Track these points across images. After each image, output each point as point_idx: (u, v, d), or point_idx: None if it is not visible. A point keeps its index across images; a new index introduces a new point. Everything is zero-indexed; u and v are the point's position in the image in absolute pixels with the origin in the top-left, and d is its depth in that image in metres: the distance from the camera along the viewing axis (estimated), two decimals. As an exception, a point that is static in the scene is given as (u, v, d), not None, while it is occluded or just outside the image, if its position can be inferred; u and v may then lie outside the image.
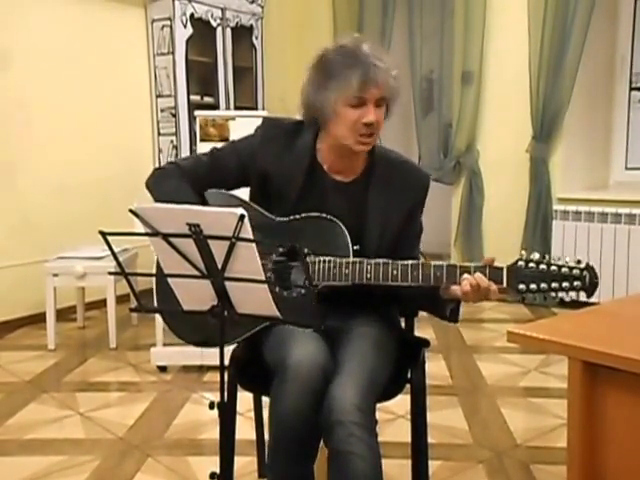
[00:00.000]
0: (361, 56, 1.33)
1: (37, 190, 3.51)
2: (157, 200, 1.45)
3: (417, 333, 1.64)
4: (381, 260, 1.33)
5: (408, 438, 1.55)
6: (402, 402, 1.56)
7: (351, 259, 1.35)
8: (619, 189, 3.73)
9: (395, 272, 1.31)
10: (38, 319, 3.37)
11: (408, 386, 1.50)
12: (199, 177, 1.47)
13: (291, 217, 1.42)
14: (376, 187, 1.43)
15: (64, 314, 3.46)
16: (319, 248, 1.35)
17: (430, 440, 1.58)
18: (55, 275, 3.07)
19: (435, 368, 2.73)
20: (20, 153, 3.46)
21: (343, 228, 1.38)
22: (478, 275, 1.28)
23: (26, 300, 3.44)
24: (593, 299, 3.78)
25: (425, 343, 1.56)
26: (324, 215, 1.40)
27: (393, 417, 2.21)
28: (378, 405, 1.41)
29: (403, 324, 1.63)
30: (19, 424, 2.29)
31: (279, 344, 1.36)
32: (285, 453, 1.29)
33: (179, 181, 1.45)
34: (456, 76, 3.95)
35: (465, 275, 1.29)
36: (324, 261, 1.35)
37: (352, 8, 4.45)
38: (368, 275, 1.32)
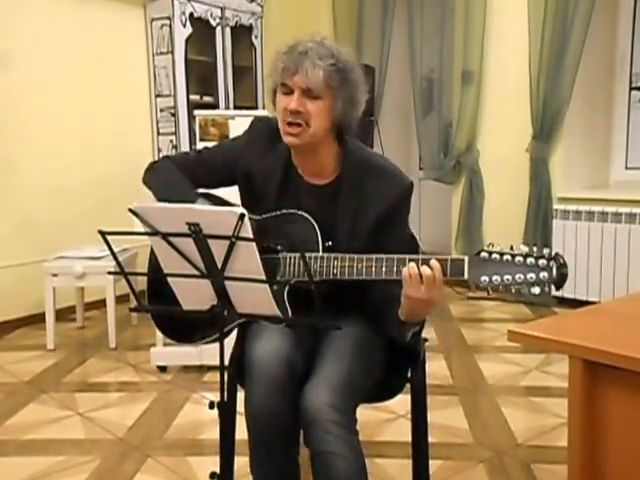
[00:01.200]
0: (295, 47, 1.34)
1: (36, 190, 3.51)
2: (155, 191, 1.47)
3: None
4: (347, 255, 1.31)
5: (409, 437, 1.55)
6: (403, 402, 1.55)
7: (320, 254, 1.33)
8: (619, 188, 3.73)
9: (360, 266, 1.29)
10: (37, 319, 3.37)
11: (409, 386, 1.50)
12: (189, 170, 1.50)
13: (266, 215, 1.42)
14: (346, 192, 1.39)
15: (63, 314, 3.45)
16: (292, 244, 1.34)
17: (431, 439, 1.58)
18: (54, 275, 3.07)
19: (436, 367, 2.73)
20: (19, 153, 3.45)
21: (314, 224, 1.37)
22: (423, 268, 1.21)
23: (25, 300, 3.43)
24: (593, 298, 3.75)
25: (416, 351, 1.52)
26: (296, 211, 1.39)
27: (394, 417, 2.21)
28: (378, 405, 1.41)
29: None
30: (18, 424, 2.29)
31: (250, 341, 1.38)
32: (261, 449, 1.30)
33: (173, 170, 1.49)
34: (456, 76, 3.95)
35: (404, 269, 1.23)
36: (294, 258, 1.34)
37: (352, 7, 4.45)
38: (335, 270, 1.31)
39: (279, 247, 1.36)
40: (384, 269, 1.27)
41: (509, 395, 2.47)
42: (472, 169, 3.97)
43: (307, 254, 1.33)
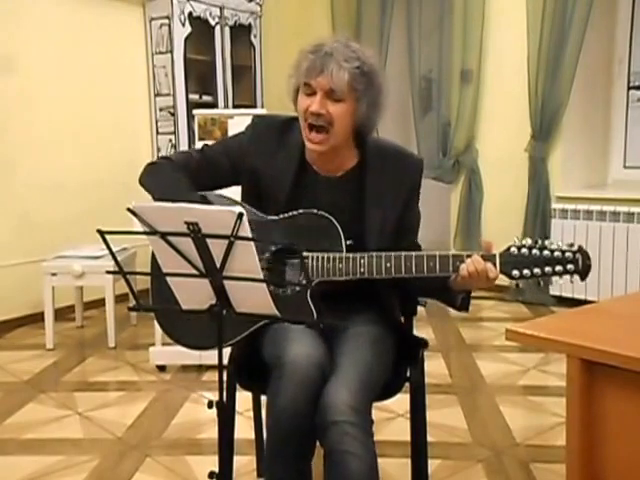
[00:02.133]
0: (320, 47, 1.33)
1: (36, 189, 3.51)
2: (154, 194, 1.44)
3: (416, 332, 1.64)
4: (374, 253, 1.33)
5: (407, 437, 1.55)
6: (401, 401, 1.56)
7: (344, 254, 1.34)
8: (617, 188, 3.73)
9: (388, 264, 1.31)
10: (36, 319, 3.36)
11: (407, 385, 1.50)
12: (191, 172, 1.46)
13: (284, 215, 1.41)
14: (372, 178, 1.41)
15: (62, 313, 3.45)
16: (313, 245, 1.34)
17: (429, 439, 1.58)
18: (53, 274, 3.07)
19: (434, 367, 2.73)
20: (19, 152, 3.45)
21: (335, 223, 1.37)
22: (475, 258, 1.28)
23: (24, 299, 3.43)
24: (591, 297, 3.76)
25: (423, 344, 1.55)
26: (316, 211, 1.39)
27: (392, 416, 2.21)
28: (377, 404, 1.40)
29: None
30: (17, 424, 2.29)
31: (276, 342, 1.36)
32: (282, 450, 1.29)
33: (173, 172, 1.46)
34: (455, 75, 3.95)
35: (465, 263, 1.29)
36: (318, 257, 1.34)
37: (350, 6, 4.44)
38: (362, 269, 1.32)
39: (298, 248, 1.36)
40: (414, 267, 1.30)
41: (507, 394, 2.47)
42: (471, 168, 3.97)
43: (331, 254, 1.34)
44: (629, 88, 3.76)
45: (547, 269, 1.27)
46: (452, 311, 1.47)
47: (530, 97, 3.64)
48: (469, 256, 1.29)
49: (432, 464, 1.70)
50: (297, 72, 1.35)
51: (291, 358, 1.27)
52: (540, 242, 1.29)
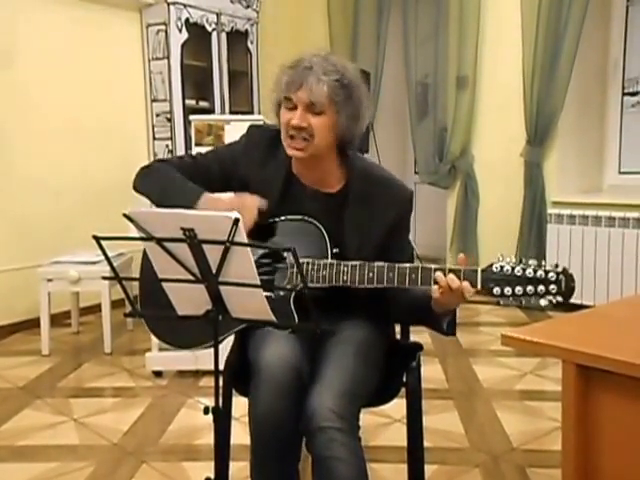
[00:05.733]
0: (300, 61, 1.35)
1: (32, 194, 3.50)
2: (150, 194, 1.44)
3: (413, 336, 1.65)
4: (357, 262, 1.33)
5: (404, 442, 1.55)
6: (398, 406, 1.56)
7: (329, 261, 1.35)
8: (613, 193, 3.75)
9: (371, 274, 1.31)
10: (32, 324, 3.35)
11: (404, 390, 1.50)
12: (186, 174, 1.46)
13: (271, 220, 1.42)
14: (354, 203, 1.41)
15: (58, 319, 3.44)
16: (298, 250, 1.35)
17: (426, 444, 1.58)
18: (49, 280, 3.06)
19: (431, 372, 2.73)
20: (16, 157, 3.45)
21: (322, 230, 1.38)
22: (450, 277, 1.26)
23: (20, 305, 3.42)
24: (588, 302, 3.77)
25: (418, 347, 1.55)
26: (304, 217, 1.40)
27: (389, 421, 2.21)
28: (374, 409, 1.41)
29: (398, 328, 1.63)
30: (12, 430, 2.28)
31: (255, 347, 1.37)
32: (265, 455, 1.29)
33: (170, 171, 1.46)
34: (451, 81, 3.97)
35: (437, 275, 1.27)
36: (303, 263, 1.34)
37: (347, 13, 4.47)
38: (344, 277, 1.32)
39: (285, 253, 1.36)
40: (396, 278, 1.29)
41: (504, 399, 2.48)
42: (467, 173, 3.99)
43: (316, 260, 1.34)
44: (623, 94, 3.79)
45: (529, 288, 1.24)
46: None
47: (525, 103, 3.66)
48: (451, 270, 1.27)
49: (429, 469, 1.70)
50: (278, 87, 1.37)
51: (266, 363, 1.28)
52: (524, 261, 1.27)
